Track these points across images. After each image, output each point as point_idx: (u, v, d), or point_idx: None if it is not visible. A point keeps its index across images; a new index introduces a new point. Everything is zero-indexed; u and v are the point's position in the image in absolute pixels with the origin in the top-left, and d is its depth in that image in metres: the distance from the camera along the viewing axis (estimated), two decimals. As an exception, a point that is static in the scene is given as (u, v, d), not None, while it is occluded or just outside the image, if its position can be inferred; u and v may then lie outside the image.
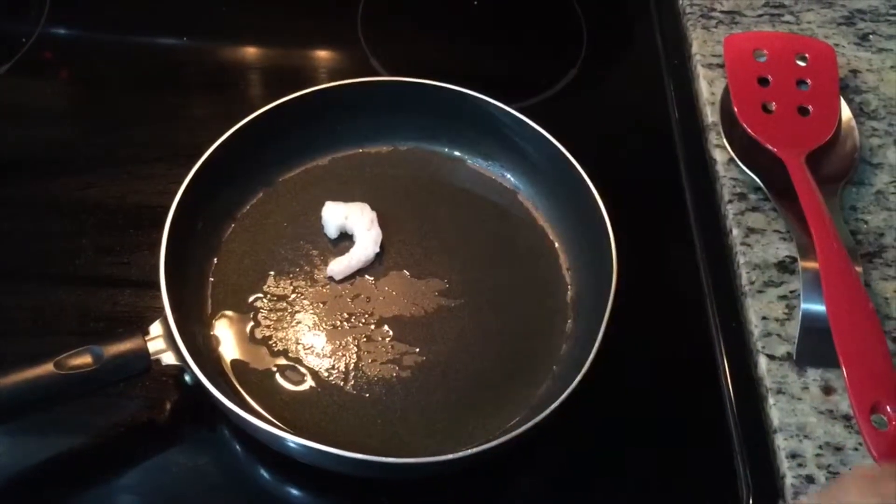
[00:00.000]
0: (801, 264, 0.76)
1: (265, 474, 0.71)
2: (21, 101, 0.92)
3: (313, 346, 0.76)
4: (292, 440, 0.65)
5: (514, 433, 0.66)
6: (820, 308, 0.73)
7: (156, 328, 0.69)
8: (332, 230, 0.81)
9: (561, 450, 0.73)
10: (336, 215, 0.81)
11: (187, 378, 0.69)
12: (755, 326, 0.76)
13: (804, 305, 0.74)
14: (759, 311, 0.77)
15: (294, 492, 0.71)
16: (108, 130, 0.90)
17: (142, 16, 0.99)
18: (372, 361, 0.75)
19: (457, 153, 0.87)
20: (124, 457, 0.71)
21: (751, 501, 0.70)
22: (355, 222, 0.81)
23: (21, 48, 0.94)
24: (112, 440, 0.71)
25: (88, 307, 0.77)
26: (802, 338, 0.74)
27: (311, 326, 0.77)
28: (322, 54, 1.00)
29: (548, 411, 0.66)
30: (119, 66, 0.95)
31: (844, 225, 0.78)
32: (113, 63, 0.95)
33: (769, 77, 0.87)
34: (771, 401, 0.72)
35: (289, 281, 0.79)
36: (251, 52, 1.00)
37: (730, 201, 0.83)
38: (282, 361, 0.75)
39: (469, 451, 0.65)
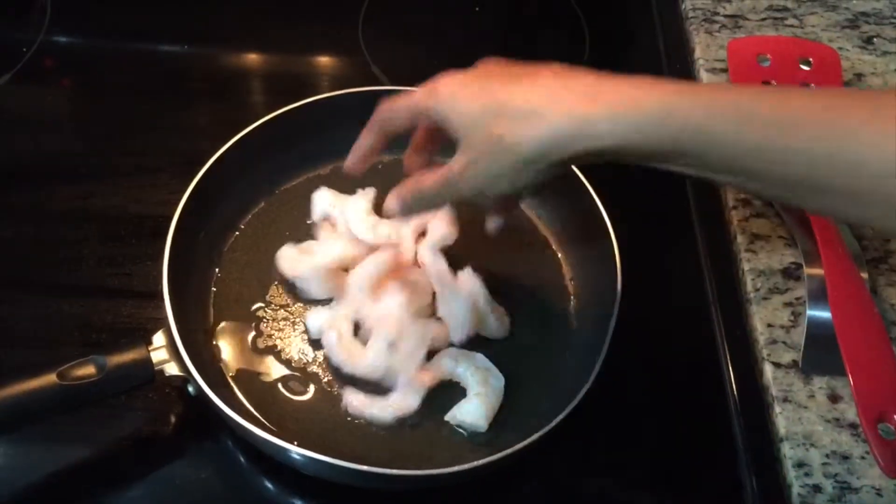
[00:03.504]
0: (807, 271, 0.75)
1: (269, 485, 0.71)
2: (23, 109, 0.92)
3: (316, 355, 0.75)
4: (295, 451, 0.65)
5: (517, 446, 0.65)
6: (826, 315, 0.72)
7: (159, 338, 0.69)
8: (316, 213, 0.81)
9: (565, 459, 0.73)
10: (323, 200, 0.81)
11: (190, 389, 0.69)
12: (760, 334, 0.75)
13: (810, 312, 0.74)
14: (765, 318, 0.76)
15: (297, 503, 0.71)
16: (109, 139, 0.90)
17: (143, 24, 0.99)
18: (375, 371, 0.75)
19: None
20: (128, 468, 0.71)
21: (757, 511, 0.70)
22: (346, 209, 0.80)
23: (22, 57, 0.94)
24: (115, 452, 0.71)
25: (91, 317, 0.77)
26: (808, 345, 0.73)
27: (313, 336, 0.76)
28: (323, 62, 1.00)
29: (553, 424, 0.66)
30: (120, 75, 0.95)
31: (849, 230, 0.78)
32: (114, 71, 0.96)
33: (773, 81, 0.86)
34: (777, 409, 0.72)
35: (291, 290, 0.79)
36: (253, 60, 1.00)
37: (734, 207, 0.83)
38: (285, 371, 0.74)
39: (473, 464, 0.65)
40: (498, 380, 0.72)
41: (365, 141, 0.68)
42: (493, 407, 0.71)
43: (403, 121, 0.66)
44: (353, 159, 0.69)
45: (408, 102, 0.65)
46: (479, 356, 0.73)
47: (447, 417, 0.71)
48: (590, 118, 0.57)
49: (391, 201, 0.66)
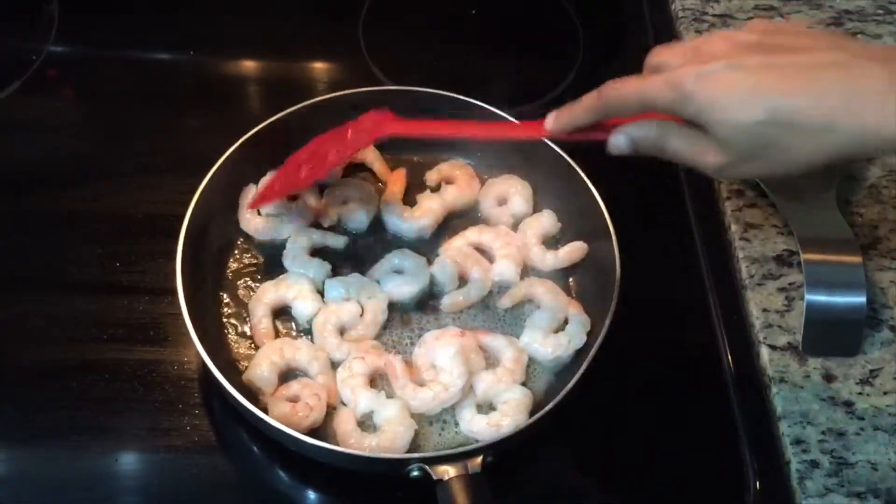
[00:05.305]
0: (804, 256, 0.77)
1: (283, 475, 0.73)
2: (32, 116, 0.93)
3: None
4: (309, 441, 0.67)
5: (519, 426, 0.69)
6: (823, 299, 0.74)
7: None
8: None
9: (570, 438, 0.75)
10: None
11: (207, 380, 0.71)
12: (756, 318, 0.78)
13: (808, 297, 0.75)
14: (760, 303, 0.78)
15: (310, 493, 0.73)
16: (116, 143, 0.91)
17: (148, 32, 1.00)
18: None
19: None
20: (145, 459, 0.72)
21: (757, 486, 0.72)
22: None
23: (31, 65, 0.95)
24: (133, 443, 0.73)
25: (105, 315, 0.78)
26: (807, 328, 0.75)
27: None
28: (325, 64, 1.01)
29: (551, 406, 0.68)
30: (126, 81, 0.97)
31: (842, 217, 0.80)
32: (120, 78, 0.97)
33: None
34: (774, 389, 0.74)
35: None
36: (254, 64, 1.02)
37: (728, 198, 0.85)
38: (297, 364, 0.76)
39: (465, 448, 0.67)
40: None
41: (578, 119, 0.63)
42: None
43: (633, 111, 0.60)
44: (558, 125, 0.64)
45: (643, 92, 0.58)
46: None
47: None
48: (882, 131, 0.52)
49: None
